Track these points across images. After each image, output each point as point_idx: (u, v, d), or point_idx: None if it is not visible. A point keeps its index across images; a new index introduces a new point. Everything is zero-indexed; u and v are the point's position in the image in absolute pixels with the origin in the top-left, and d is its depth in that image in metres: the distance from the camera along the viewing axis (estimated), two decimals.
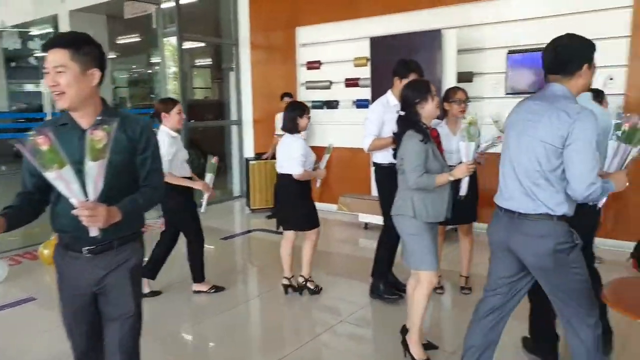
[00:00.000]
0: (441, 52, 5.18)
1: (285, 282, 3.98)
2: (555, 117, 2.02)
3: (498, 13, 5.27)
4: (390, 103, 3.60)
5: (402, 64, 3.55)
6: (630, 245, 3.88)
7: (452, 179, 2.71)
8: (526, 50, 5.10)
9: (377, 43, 5.61)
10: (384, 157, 3.66)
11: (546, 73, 2.18)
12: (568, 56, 2.10)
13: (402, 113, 2.80)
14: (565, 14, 4.88)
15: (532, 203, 2.12)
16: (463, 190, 3.04)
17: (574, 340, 2.21)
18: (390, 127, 3.50)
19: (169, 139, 3.60)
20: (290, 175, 3.75)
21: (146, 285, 3.80)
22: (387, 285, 3.81)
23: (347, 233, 5.85)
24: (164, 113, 3.69)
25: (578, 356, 2.21)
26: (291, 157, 3.71)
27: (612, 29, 4.67)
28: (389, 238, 3.75)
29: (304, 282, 3.97)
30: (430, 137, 2.74)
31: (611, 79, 4.66)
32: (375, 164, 3.78)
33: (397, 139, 2.83)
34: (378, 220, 5.32)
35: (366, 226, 5.91)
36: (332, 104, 6.71)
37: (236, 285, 4.26)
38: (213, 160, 3.76)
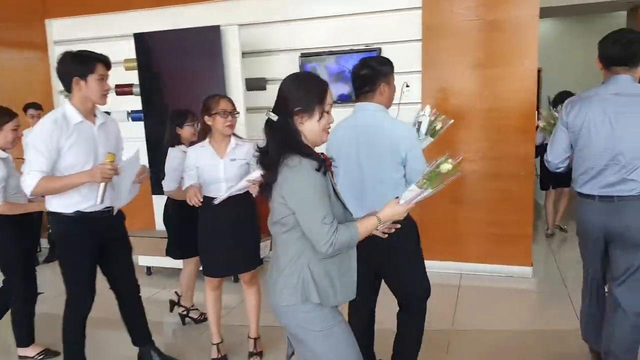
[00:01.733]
0: (222, 53, 4.28)
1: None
2: None
3: (286, 10, 4.55)
4: (70, 120, 2.49)
5: (75, 57, 2.51)
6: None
7: (381, 226, 1.74)
8: (320, 54, 4.48)
9: (144, 41, 4.47)
10: (63, 203, 2.51)
11: (610, 65, 2.33)
12: (637, 48, 2.27)
13: (274, 117, 1.69)
14: (358, 13, 4.38)
15: (634, 185, 2.29)
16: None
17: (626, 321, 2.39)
18: (76, 157, 2.44)
19: None
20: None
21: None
22: None
23: None
24: None
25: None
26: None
27: (405, 32, 4.30)
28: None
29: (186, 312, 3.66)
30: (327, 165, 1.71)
31: (407, 86, 4.24)
32: (49, 213, 2.60)
33: (266, 166, 1.71)
34: (164, 262, 4.27)
35: (149, 271, 4.73)
36: None
37: None
38: None
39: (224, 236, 2.87)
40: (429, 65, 4.21)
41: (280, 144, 1.67)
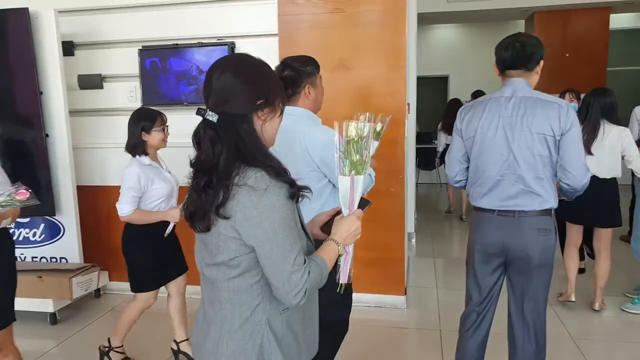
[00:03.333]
0: (35, 43, 3.48)
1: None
2: (549, 109, 2.09)
3: None
4: None
5: None
6: None
7: (342, 252, 1.39)
8: (163, 47, 3.79)
9: None
10: None
11: (505, 69, 2.22)
12: (531, 52, 2.17)
13: (213, 117, 1.21)
14: (207, 1, 3.74)
15: (534, 199, 2.14)
16: (344, 274, 1.44)
17: (530, 340, 2.25)
18: None
19: None
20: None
21: None
22: None
23: None
24: None
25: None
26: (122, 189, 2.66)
27: (260, 25, 3.69)
28: None
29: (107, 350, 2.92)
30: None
31: None
32: None
33: (208, 188, 1.22)
34: None
35: None
36: None
37: None
38: None
39: None
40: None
41: (235, 150, 1.20)
